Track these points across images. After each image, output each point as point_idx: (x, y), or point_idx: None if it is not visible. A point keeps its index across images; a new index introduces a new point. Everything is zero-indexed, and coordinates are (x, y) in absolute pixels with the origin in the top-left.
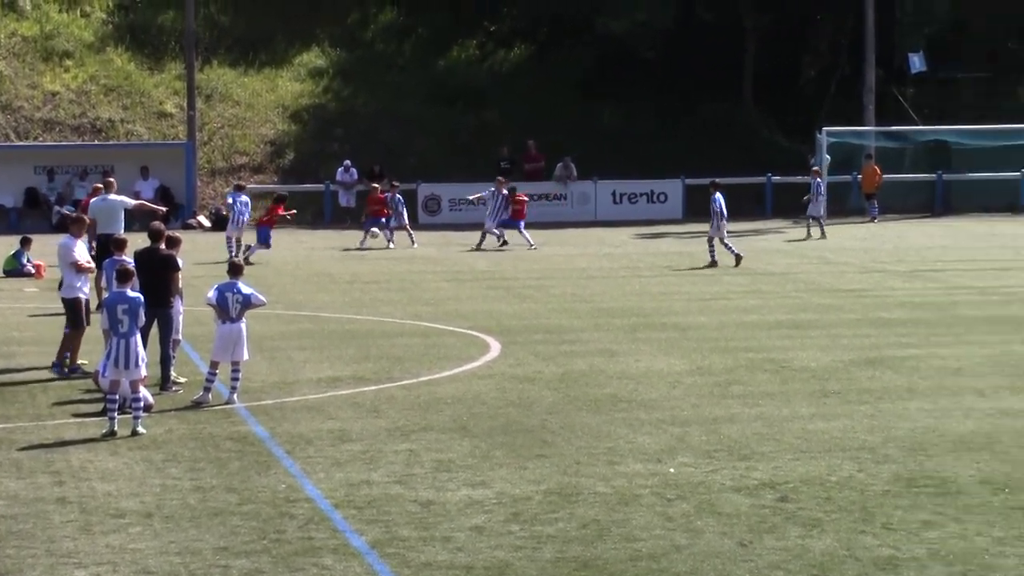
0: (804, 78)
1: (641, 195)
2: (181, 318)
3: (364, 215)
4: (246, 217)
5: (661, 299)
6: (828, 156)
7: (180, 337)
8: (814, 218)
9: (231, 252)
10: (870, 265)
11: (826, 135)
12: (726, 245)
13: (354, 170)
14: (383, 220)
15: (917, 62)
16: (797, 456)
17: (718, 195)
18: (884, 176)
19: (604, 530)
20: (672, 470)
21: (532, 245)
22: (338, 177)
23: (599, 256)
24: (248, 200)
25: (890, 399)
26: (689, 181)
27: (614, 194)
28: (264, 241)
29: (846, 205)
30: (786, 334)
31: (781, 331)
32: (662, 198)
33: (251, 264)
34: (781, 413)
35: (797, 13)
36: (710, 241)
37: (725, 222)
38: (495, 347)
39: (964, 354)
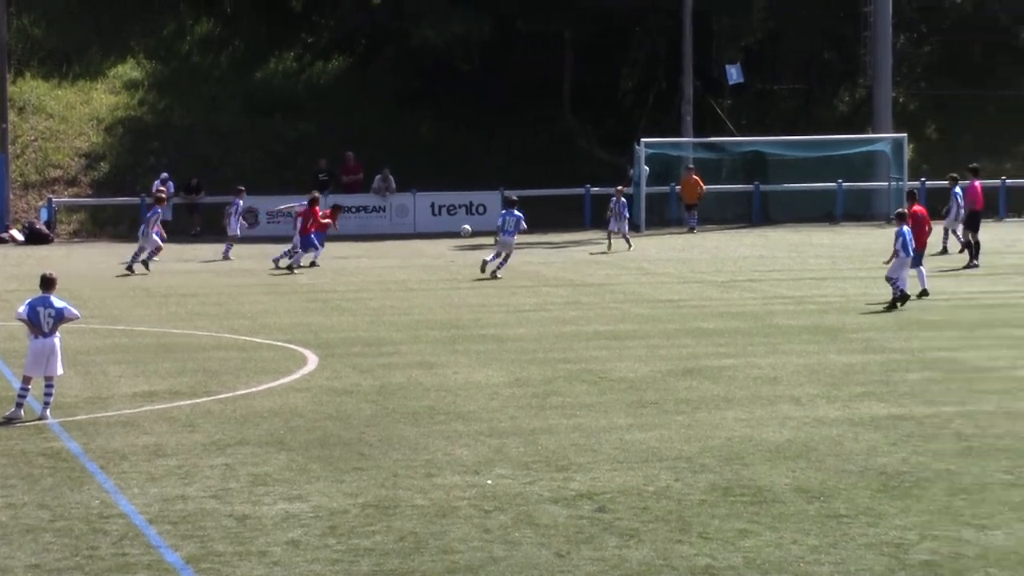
0: (623, 90)
1: (460, 207)
2: None
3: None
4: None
5: (480, 311)
6: (647, 167)
7: None
8: (614, 232)
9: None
10: (688, 275)
11: (644, 146)
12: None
13: (171, 183)
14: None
15: (734, 74)
16: (614, 466)
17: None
18: (705, 188)
19: (422, 543)
20: (490, 482)
21: None
22: (154, 190)
23: (418, 268)
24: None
25: (707, 409)
26: (508, 193)
27: (433, 206)
28: (311, 246)
29: (665, 216)
30: (604, 345)
31: (599, 342)
32: (481, 210)
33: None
34: (599, 424)
35: (616, 25)
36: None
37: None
38: (312, 360)
39: (780, 363)
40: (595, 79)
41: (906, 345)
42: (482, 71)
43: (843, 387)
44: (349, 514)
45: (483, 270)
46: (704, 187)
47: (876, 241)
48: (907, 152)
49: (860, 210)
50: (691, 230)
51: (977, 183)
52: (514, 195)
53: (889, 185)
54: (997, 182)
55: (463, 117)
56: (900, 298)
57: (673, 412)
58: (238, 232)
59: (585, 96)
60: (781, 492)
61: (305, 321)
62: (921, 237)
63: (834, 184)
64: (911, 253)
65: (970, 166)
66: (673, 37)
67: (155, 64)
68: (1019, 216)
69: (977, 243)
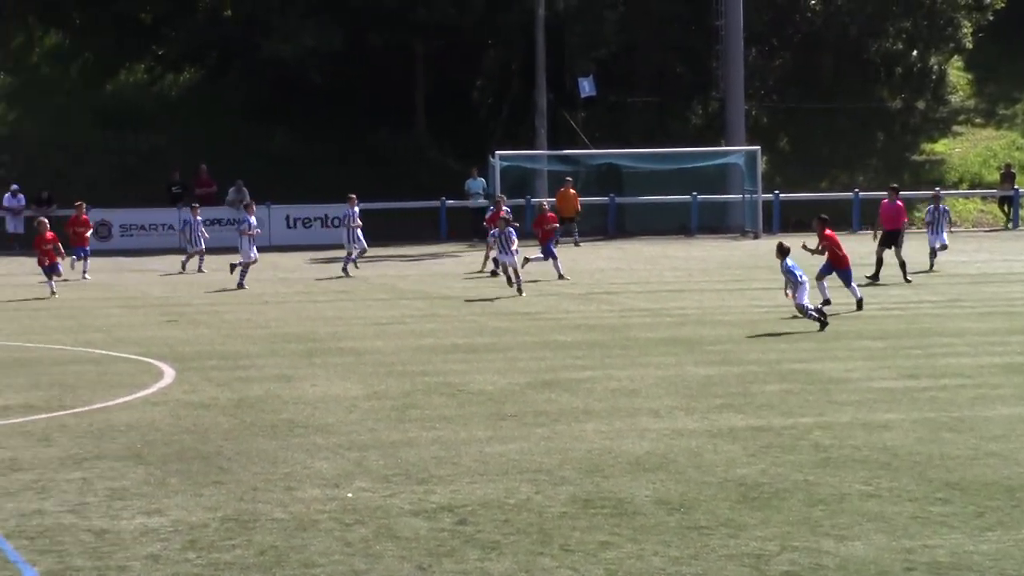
0: (476, 102)
1: (315, 219)
2: None
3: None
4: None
5: (337, 323)
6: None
7: None
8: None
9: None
10: (545, 288)
11: (499, 159)
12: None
13: (22, 196)
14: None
15: (587, 86)
16: (475, 479)
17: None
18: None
19: (282, 556)
20: (350, 495)
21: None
22: (5, 203)
23: (274, 281)
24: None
25: (566, 421)
26: (363, 205)
27: (288, 219)
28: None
29: (521, 228)
30: (463, 358)
31: (458, 355)
32: (336, 222)
33: None
34: (459, 436)
35: (468, 38)
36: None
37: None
38: (169, 374)
39: (639, 376)
40: (448, 91)
41: (763, 357)
42: (335, 83)
43: (702, 399)
44: (209, 528)
45: (513, 285)
46: (577, 199)
47: (731, 253)
48: (760, 164)
49: (715, 222)
50: (576, 243)
51: (899, 202)
52: (508, 211)
53: (744, 197)
54: (850, 194)
55: (316, 129)
56: (820, 314)
57: (532, 424)
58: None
59: (439, 108)
60: (642, 504)
61: (160, 335)
62: (842, 257)
63: (689, 197)
64: (802, 281)
65: (891, 185)
66: (526, 49)
67: (4, 76)
68: (872, 227)
69: (902, 262)
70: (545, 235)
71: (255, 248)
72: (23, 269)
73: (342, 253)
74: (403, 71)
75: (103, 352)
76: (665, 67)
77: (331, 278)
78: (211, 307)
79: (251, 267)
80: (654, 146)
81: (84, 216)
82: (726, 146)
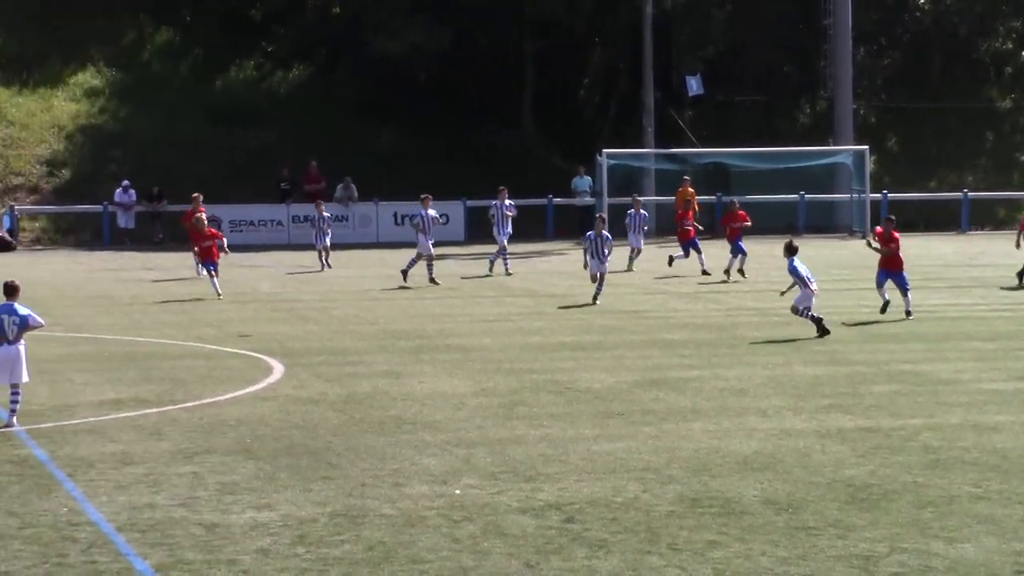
0: (583, 100)
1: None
2: None
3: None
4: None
5: (444, 320)
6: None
7: None
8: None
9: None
10: (652, 286)
11: (606, 157)
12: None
13: (133, 191)
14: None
15: (695, 85)
16: (583, 477)
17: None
18: (663, 199)
19: (391, 552)
20: (458, 491)
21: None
22: (116, 198)
23: (382, 278)
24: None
25: (674, 420)
26: (471, 203)
27: (396, 215)
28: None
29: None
30: (570, 356)
31: (565, 352)
32: (444, 220)
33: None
34: (566, 434)
35: (576, 37)
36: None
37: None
38: (278, 369)
39: (746, 375)
40: (556, 90)
41: (871, 357)
42: (442, 81)
43: (809, 399)
44: (318, 523)
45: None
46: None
47: (838, 253)
48: (869, 164)
49: (822, 222)
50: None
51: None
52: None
53: (852, 197)
54: (959, 194)
55: (423, 126)
56: (816, 320)
57: (640, 423)
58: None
59: (546, 106)
60: (749, 504)
61: (270, 330)
62: (899, 260)
63: (796, 196)
64: (811, 282)
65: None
66: (634, 48)
67: (115, 72)
68: (981, 228)
69: None
70: (733, 232)
71: (430, 241)
72: (135, 264)
73: (453, 251)
74: (510, 69)
75: (213, 347)
76: (773, 66)
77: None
78: (320, 303)
79: (430, 261)
80: (761, 145)
81: (211, 229)
82: (834, 145)
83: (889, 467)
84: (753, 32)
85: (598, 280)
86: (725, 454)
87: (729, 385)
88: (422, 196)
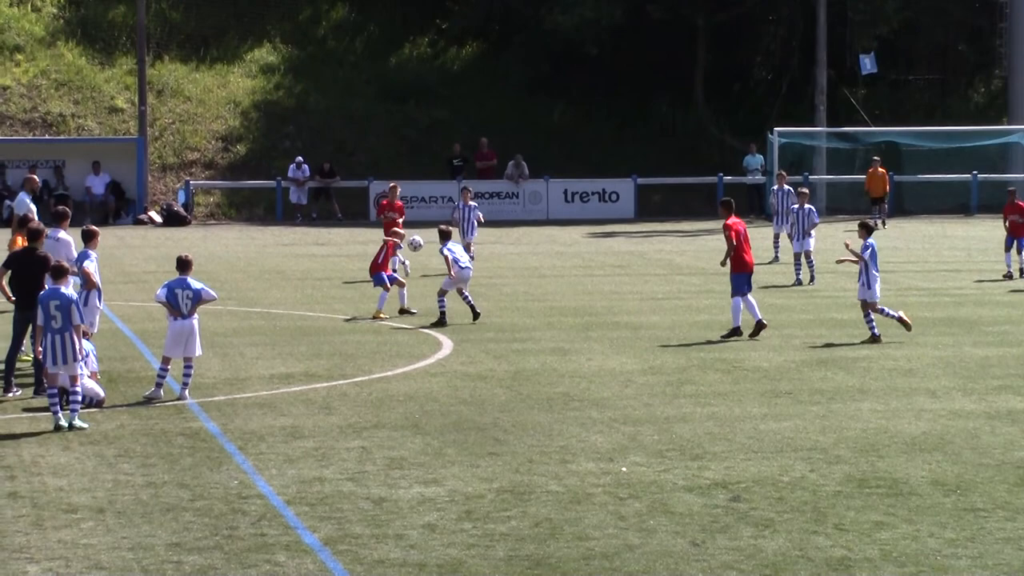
0: (755, 79)
1: (593, 194)
2: (98, 314)
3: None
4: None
5: (613, 298)
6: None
7: (95, 330)
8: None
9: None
10: (820, 265)
11: (777, 135)
12: None
13: (306, 167)
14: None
15: (868, 63)
16: (749, 456)
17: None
18: (836, 177)
19: (557, 529)
20: (624, 469)
21: None
22: (290, 174)
23: (551, 255)
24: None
25: (841, 400)
26: (641, 180)
27: (566, 193)
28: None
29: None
30: None
31: None
32: (614, 197)
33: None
34: (733, 413)
35: (749, 13)
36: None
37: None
38: (447, 345)
39: (915, 355)
40: (727, 67)
41: None
42: (613, 58)
43: (979, 380)
44: (484, 499)
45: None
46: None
47: None
48: None
49: (995, 202)
50: (882, 223)
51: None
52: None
53: None
54: None
55: (594, 104)
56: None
57: (808, 402)
58: None
59: (717, 84)
60: (917, 485)
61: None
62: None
63: (969, 175)
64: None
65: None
66: (807, 26)
67: (291, 49)
68: None
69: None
70: (1015, 228)
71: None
72: (307, 239)
73: (622, 228)
74: (683, 45)
75: (383, 322)
76: (947, 45)
77: (603, 253)
78: (488, 279)
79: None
80: (934, 124)
81: (399, 221)
82: (1009, 125)
83: None
84: (927, 10)
85: (805, 258)
86: (893, 434)
87: (898, 365)
88: (461, 188)
